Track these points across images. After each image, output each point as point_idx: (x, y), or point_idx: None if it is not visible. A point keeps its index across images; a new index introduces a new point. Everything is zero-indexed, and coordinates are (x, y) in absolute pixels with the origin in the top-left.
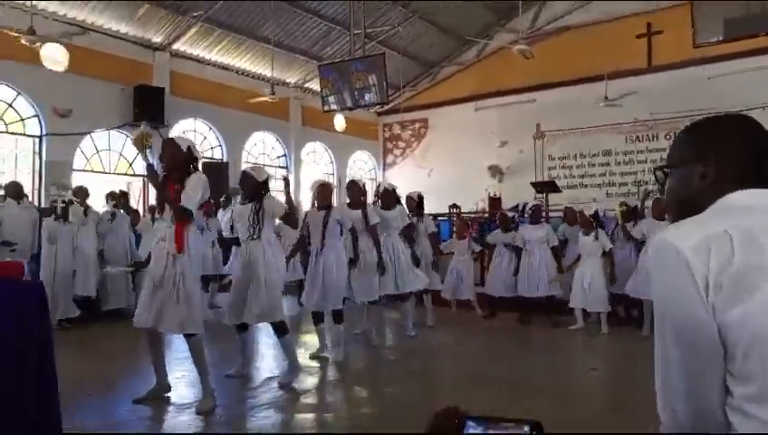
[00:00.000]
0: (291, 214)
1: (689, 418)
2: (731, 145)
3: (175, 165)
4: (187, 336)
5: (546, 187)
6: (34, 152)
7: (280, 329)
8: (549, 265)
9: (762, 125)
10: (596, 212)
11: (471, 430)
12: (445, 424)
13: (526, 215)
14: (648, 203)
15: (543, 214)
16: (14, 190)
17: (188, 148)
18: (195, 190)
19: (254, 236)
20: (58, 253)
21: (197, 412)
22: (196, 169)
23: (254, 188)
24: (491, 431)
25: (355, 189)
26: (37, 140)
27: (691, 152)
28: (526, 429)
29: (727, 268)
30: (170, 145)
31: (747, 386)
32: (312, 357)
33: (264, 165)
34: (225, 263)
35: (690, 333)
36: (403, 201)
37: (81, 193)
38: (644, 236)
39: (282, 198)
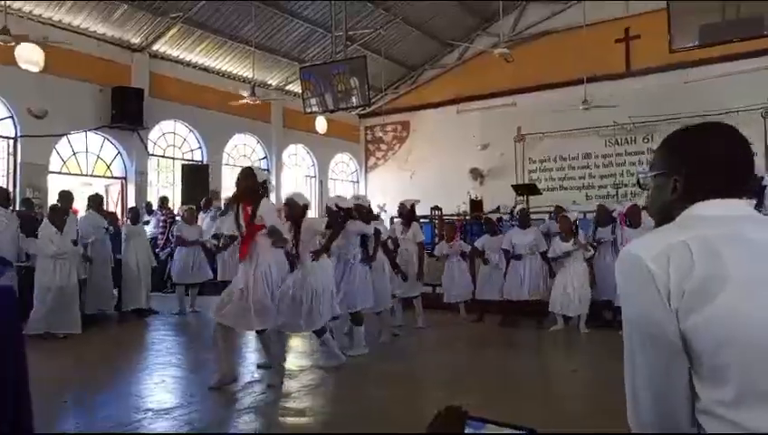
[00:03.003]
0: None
1: (654, 419)
2: (699, 159)
3: (249, 191)
4: (259, 331)
5: (527, 189)
6: (9, 154)
7: (319, 331)
8: (536, 270)
9: (737, 135)
10: (576, 220)
11: (471, 430)
12: (447, 422)
13: (515, 218)
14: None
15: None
16: (1, 197)
17: (250, 169)
18: (277, 221)
19: (295, 256)
20: (57, 262)
21: (269, 385)
22: (264, 194)
23: (299, 212)
24: (489, 433)
25: (362, 210)
26: (12, 141)
27: (664, 164)
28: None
29: (688, 277)
30: (249, 174)
31: (718, 390)
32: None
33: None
34: (213, 269)
35: (654, 337)
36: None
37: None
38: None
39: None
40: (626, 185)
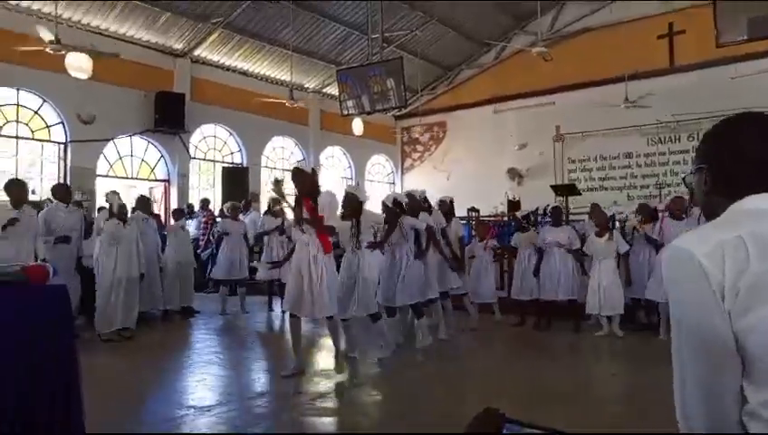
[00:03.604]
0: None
1: (704, 424)
2: (727, 151)
3: (306, 187)
4: (327, 318)
5: (566, 189)
6: (59, 158)
7: (375, 316)
8: (570, 270)
9: None
10: (613, 215)
11: (509, 433)
12: (484, 425)
13: (547, 216)
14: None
15: (564, 216)
16: (63, 193)
17: (312, 170)
18: (333, 211)
19: (356, 247)
20: (119, 258)
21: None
22: (320, 186)
23: (356, 206)
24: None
25: (415, 203)
26: (62, 146)
27: (699, 159)
28: None
29: (743, 274)
30: (299, 173)
31: (765, 392)
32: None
33: (283, 169)
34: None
35: (706, 339)
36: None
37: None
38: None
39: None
40: (669, 185)
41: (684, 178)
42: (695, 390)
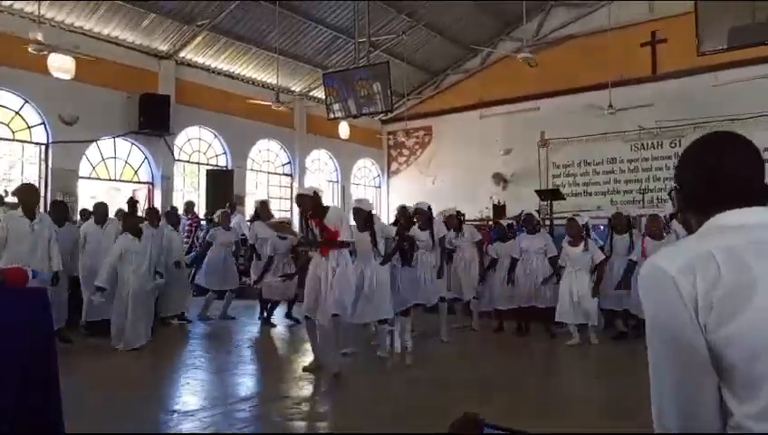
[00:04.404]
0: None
1: (680, 432)
2: (692, 173)
3: (308, 208)
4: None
5: (550, 194)
6: (41, 159)
7: (382, 320)
8: (546, 277)
9: (730, 145)
10: (586, 224)
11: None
12: (463, 429)
13: (522, 223)
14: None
15: (540, 223)
16: (101, 213)
17: (314, 192)
18: (345, 227)
19: (376, 257)
20: (132, 273)
21: (304, 369)
22: (326, 207)
23: (366, 218)
24: None
25: (425, 216)
26: (44, 147)
27: (674, 180)
28: None
29: (715, 287)
30: (302, 197)
31: (749, 404)
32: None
33: (268, 172)
34: (243, 274)
35: (680, 351)
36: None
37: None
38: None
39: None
40: (651, 190)
41: (669, 194)
42: (670, 400)
